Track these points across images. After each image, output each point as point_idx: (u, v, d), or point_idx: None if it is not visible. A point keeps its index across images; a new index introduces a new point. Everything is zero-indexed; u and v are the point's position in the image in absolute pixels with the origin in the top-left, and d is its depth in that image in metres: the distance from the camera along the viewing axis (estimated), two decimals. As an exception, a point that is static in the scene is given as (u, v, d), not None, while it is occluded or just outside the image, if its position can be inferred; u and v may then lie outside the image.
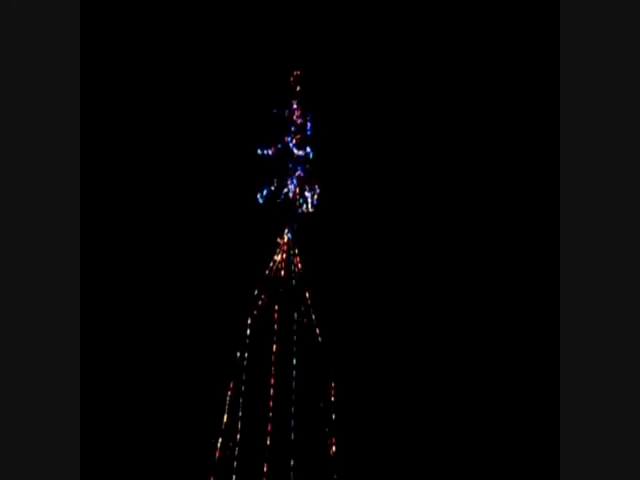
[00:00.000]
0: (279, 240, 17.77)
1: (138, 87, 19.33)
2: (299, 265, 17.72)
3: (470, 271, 19.53)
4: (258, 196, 17.69)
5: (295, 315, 17.17)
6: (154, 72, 19.41)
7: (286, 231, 17.84)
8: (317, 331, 17.17)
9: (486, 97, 19.85)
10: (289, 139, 17.94)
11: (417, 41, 19.71)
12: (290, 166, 17.84)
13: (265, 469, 15.86)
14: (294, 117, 17.97)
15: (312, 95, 18.31)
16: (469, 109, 19.86)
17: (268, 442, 16.03)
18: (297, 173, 17.82)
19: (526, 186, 19.59)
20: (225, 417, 16.44)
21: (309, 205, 17.83)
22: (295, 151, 17.91)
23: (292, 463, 15.95)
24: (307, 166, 17.93)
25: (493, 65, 19.85)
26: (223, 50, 19.43)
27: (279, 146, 17.88)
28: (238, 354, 16.82)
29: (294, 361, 16.70)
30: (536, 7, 19.11)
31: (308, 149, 17.96)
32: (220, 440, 16.36)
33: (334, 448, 16.47)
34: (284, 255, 17.75)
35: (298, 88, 18.20)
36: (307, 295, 17.46)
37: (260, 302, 17.34)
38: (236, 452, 16.23)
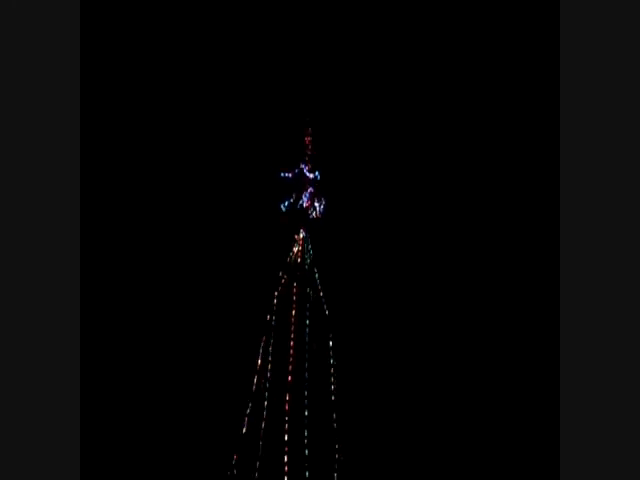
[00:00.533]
0: (296, 236, 20.15)
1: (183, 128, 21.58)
2: (310, 254, 20.03)
3: (463, 253, 21.06)
4: (281, 206, 20.05)
5: (307, 289, 19.67)
6: (199, 113, 21.81)
7: (301, 230, 20.30)
8: (323, 301, 19.68)
9: (486, 112, 21.13)
10: (303, 166, 20.47)
11: (406, 66, 21.81)
12: (304, 185, 20.29)
13: (287, 400, 17.98)
14: (307, 151, 20.57)
15: (320, 141, 20.69)
16: (464, 123, 21.45)
17: (289, 378, 18.43)
18: (309, 190, 20.14)
19: (529, 200, 20.32)
20: (259, 360, 18.85)
21: (317, 212, 20.21)
22: (308, 174, 20.40)
23: (306, 394, 18.25)
24: (316, 185, 20.37)
25: (493, 79, 20.93)
26: (258, 105, 21.91)
27: (296, 171, 20.29)
28: (268, 317, 19.36)
29: (307, 321, 19.28)
30: (536, 7, 19.72)
31: (317, 173, 20.50)
32: (255, 377, 18.60)
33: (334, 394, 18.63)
34: (300, 247, 20.01)
35: (309, 139, 20.75)
36: (316, 275, 19.93)
37: (283, 280, 19.70)
38: (269, 374, 18.40)
